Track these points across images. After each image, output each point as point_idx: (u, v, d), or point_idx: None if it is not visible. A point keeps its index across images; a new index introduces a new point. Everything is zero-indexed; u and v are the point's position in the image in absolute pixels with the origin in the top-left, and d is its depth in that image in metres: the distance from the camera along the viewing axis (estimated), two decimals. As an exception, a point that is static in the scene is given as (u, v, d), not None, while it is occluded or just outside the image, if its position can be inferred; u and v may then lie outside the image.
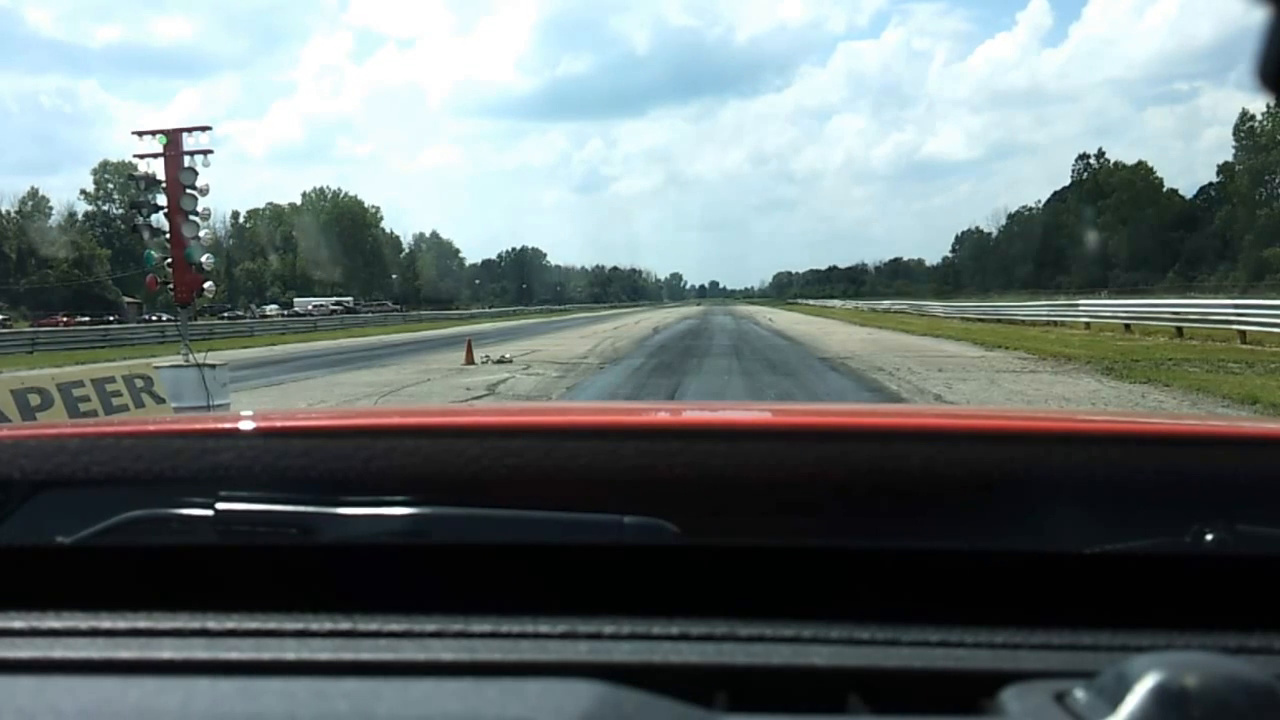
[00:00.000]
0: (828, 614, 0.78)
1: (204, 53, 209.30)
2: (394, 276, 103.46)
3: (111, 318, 66.30)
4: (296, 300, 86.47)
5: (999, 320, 37.20)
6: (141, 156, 12.62)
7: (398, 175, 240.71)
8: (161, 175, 12.30)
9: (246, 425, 0.99)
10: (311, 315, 68.12)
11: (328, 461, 0.90)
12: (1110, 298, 45.38)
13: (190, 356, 11.91)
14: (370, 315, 71.00)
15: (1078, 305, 33.11)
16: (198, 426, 1.03)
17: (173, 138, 12.53)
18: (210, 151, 13.31)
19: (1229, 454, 0.94)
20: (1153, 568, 0.86)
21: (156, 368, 9.74)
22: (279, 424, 1.02)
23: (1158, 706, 0.57)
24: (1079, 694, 0.63)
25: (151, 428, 1.01)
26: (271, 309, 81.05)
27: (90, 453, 0.92)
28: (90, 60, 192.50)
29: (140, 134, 12.70)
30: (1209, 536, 0.84)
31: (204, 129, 13.30)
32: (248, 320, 62.23)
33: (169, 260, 12.14)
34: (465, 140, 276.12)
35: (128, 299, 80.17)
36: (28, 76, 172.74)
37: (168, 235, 12.91)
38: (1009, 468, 0.88)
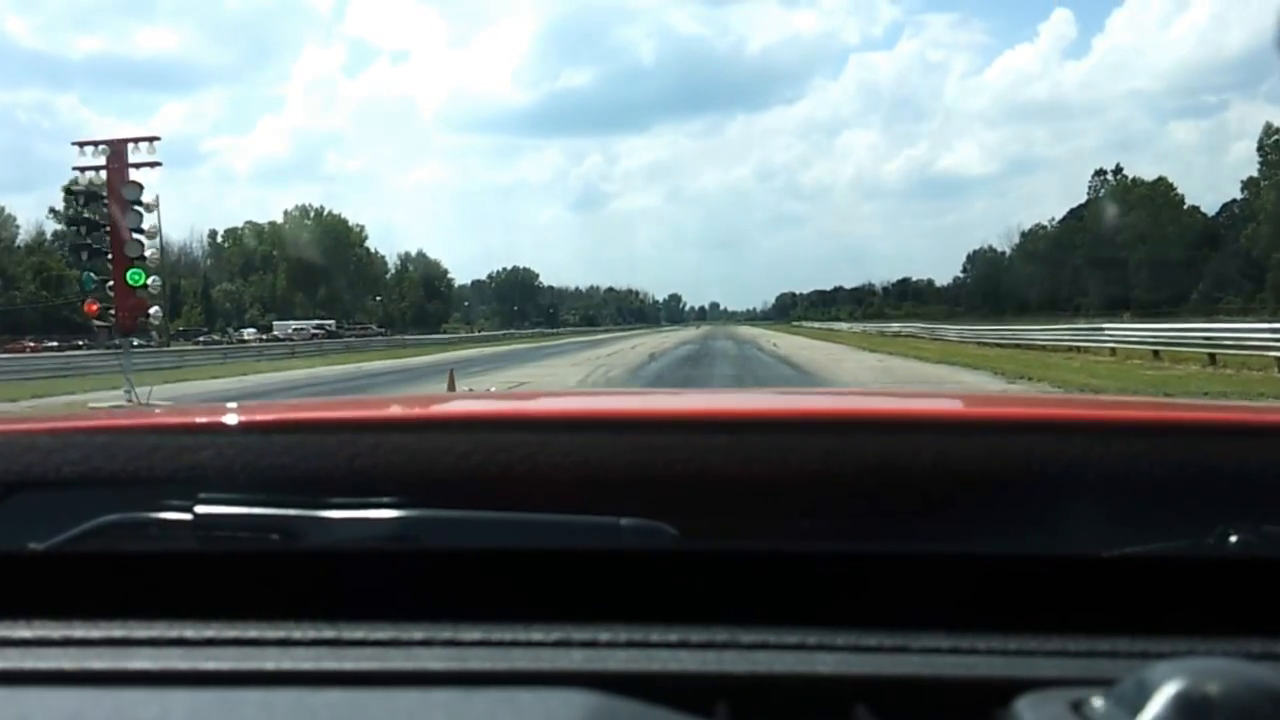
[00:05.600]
0: (833, 620, 0.77)
1: (190, 66, 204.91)
2: (377, 299, 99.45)
3: (81, 343, 62.83)
4: (276, 324, 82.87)
5: (1017, 345, 34.30)
6: (83, 169, 12.29)
7: (389, 192, 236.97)
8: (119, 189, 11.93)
9: (226, 419, 0.96)
10: (291, 340, 64.42)
11: (310, 460, 0.87)
12: (1133, 320, 42.08)
13: (133, 394, 11.27)
14: (353, 340, 67.01)
15: (1103, 330, 30.40)
16: (175, 421, 1.00)
17: (116, 149, 12.13)
18: (158, 164, 12.68)
19: (1257, 447, 0.89)
20: (1174, 571, 0.83)
21: (91, 408, 8.79)
22: (260, 418, 0.98)
23: (1179, 715, 0.56)
24: (1096, 703, 0.62)
25: (126, 423, 0.99)
26: (249, 333, 77.87)
27: (63, 451, 0.89)
28: (70, 73, 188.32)
29: (81, 144, 12.30)
30: (1234, 538, 0.81)
31: (152, 139, 12.57)
32: (222, 346, 58.28)
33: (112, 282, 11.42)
34: (459, 156, 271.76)
35: (98, 323, 76.29)
36: (3, 90, 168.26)
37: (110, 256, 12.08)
38: (1024, 462, 0.85)
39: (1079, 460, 0.85)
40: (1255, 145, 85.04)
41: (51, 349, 54.16)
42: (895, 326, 69.65)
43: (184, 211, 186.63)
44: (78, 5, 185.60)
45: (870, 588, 0.83)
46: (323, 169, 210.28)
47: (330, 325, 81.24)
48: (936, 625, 0.76)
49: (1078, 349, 29.19)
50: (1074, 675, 0.69)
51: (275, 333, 76.18)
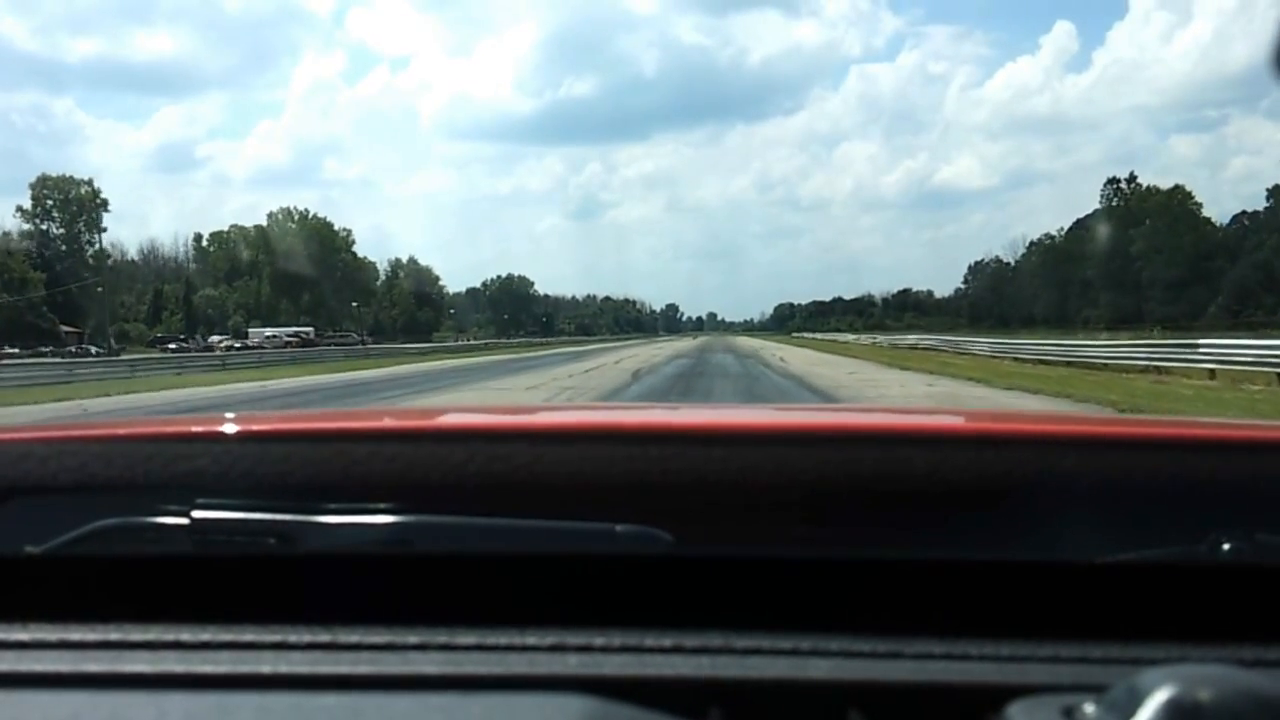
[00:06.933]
0: (827, 625, 0.77)
1: (187, 70, 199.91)
2: (355, 305, 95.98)
3: (47, 349, 59.73)
4: (251, 331, 79.64)
5: (1069, 363, 29.55)
6: None
7: (388, 200, 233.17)
8: None
9: (223, 429, 0.96)
10: (262, 347, 61.31)
11: (307, 467, 0.88)
12: (1163, 335, 37.84)
13: None
14: (327, 348, 63.50)
15: (1198, 346, 24.50)
16: (171, 430, 0.99)
17: None
18: None
19: (1249, 460, 0.90)
20: (1167, 578, 0.83)
21: None
22: (256, 428, 0.98)
23: None
24: (1088, 709, 0.62)
25: (123, 432, 0.99)
26: (216, 339, 74.68)
27: (58, 459, 0.89)
28: (67, 76, 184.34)
29: None
30: (1226, 545, 0.82)
31: None
32: (165, 354, 54.99)
33: None
34: (459, 164, 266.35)
35: (66, 328, 73.43)
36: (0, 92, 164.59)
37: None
38: (1018, 473, 0.86)
39: (1071, 472, 0.85)
40: (1258, 159, 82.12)
41: (11, 355, 50.79)
42: (910, 338, 64.07)
43: (181, 217, 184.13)
44: (75, 8, 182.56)
45: (863, 593, 0.83)
46: (321, 175, 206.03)
47: (308, 333, 77.74)
48: (929, 631, 0.76)
49: (1157, 369, 24.13)
50: (1066, 681, 0.69)
51: (250, 340, 73.08)
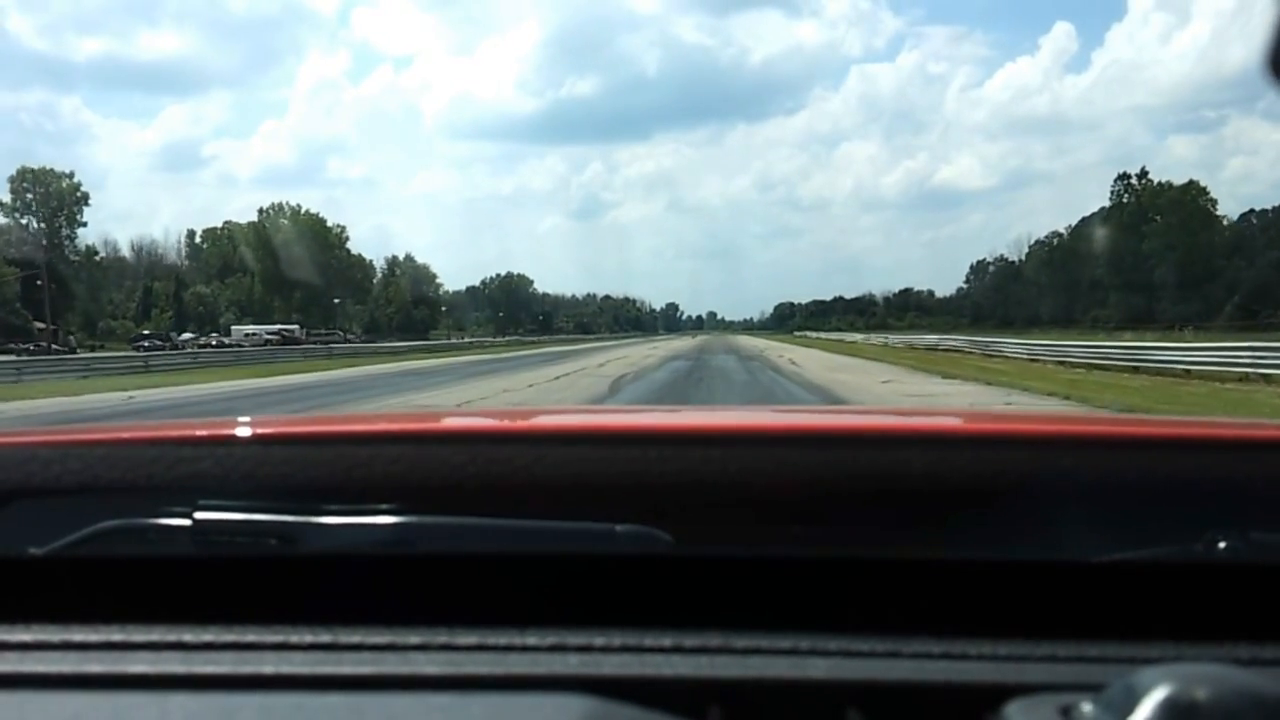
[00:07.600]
0: (825, 625, 0.77)
1: (193, 69, 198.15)
2: (338, 301, 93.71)
3: (14, 346, 57.59)
4: (233, 328, 77.55)
5: (1136, 368, 24.86)
6: None
7: (391, 199, 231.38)
8: None
9: (225, 432, 0.96)
10: (240, 346, 59.10)
11: (309, 469, 0.88)
12: (1194, 337, 34.91)
13: None
14: (308, 347, 61.22)
15: None
16: (174, 434, 0.99)
17: None
18: None
19: (1244, 460, 0.90)
20: (1163, 577, 0.84)
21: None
22: (258, 431, 0.97)
23: None
24: (1086, 708, 0.62)
25: (126, 435, 0.99)
26: (189, 337, 72.83)
27: (62, 461, 0.89)
28: (74, 75, 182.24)
29: None
30: (1222, 544, 0.81)
31: None
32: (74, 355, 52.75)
33: None
34: (462, 163, 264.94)
35: (39, 324, 71.34)
36: (6, 91, 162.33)
37: None
38: (1015, 474, 0.85)
39: (1068, 472, 0.85)
40: (1255, 160, 79.69)
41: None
42: (930, 338, 57.66)
43: (186, 216, 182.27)
44: (82, 7, 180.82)
45: (862, 593, 0.83)
46: (325, 174, 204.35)
47: (294, 330, 75.47)
48: (927, 630, 0.77)
49: (1264, 378, 19.49)
50: (1063, 680, 0.70)
51: (232, 338, 70.99)
